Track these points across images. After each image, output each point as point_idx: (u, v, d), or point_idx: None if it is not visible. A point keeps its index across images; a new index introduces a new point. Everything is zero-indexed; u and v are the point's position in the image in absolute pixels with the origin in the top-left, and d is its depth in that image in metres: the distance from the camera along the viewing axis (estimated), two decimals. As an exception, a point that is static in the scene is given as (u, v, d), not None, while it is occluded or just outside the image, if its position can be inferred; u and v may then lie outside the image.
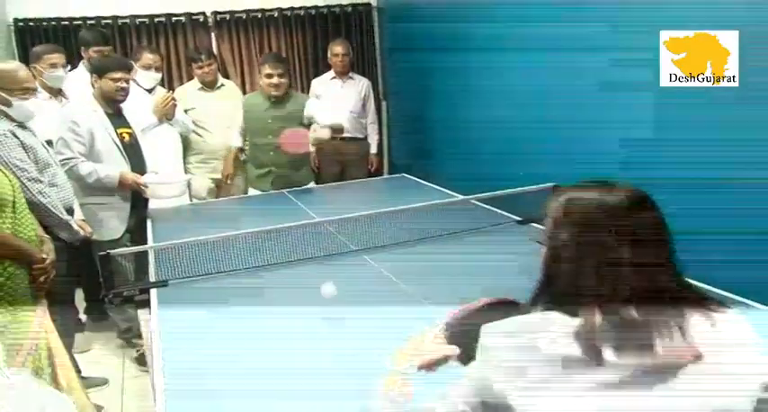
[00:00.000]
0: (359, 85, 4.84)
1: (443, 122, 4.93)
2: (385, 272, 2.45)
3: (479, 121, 4.56)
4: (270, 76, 3.92)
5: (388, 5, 5.69)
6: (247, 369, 1.76)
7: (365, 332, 1.95)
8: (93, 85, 3.28)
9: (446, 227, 2.90)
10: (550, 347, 0.96)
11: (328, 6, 5.51)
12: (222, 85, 4.52)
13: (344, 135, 4.65)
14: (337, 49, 4.71)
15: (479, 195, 3.24)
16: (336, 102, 4.67)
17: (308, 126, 4.05)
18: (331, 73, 4.81)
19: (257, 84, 5.33)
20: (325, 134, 3.92)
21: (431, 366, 1.24)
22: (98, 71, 3.25)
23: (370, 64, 5.67)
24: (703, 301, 1.03)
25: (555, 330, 0.98)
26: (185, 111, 4.18)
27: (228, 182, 4.32)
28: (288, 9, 5.40)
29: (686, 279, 1.06)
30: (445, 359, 1.24)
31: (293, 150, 3.97)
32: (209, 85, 4.42)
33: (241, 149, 4.29)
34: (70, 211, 2.89)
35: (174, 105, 3.88)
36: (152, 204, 3.62)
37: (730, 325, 1.02)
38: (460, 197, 3.37)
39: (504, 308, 1.24)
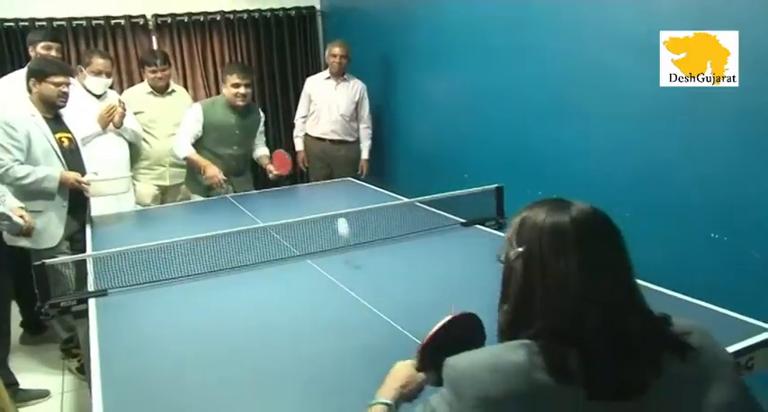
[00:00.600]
0: (353, 88, 4.70)
1: (389, 127, 4.96)
2: (329, 276, 2.46)
3: (424, 125, 4.62)
4: (237, 85, 3.89)
5: (332, 10, 5.70)
6: (189, 380, 1.74)
7: (312, 336, 1.96)
8: (30, 89, 3.19)
9: (391, 230, 2.93)
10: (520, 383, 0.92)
11: (272, 10, 5.49)
12: (173, 90, 4.42)
13: (333, 137, 4.66)
14: (336, 50, 4.60)
15: (423, 197, 3.27)
16: (328, 103, 4.65)
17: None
18: (326, 73, 4.72)
19: (200, 88, 5.32)
20: None
21: (410, 396, 1.23)
22: (38, 75, 3.16)
23: (314, 70, 5.66)
24: (671, 334, 1.01)
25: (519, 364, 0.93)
26: (134, 113, 4.11)
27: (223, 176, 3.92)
28: (231, 12, 5.35)
29: (648, 307, 1.02)
30: (421, 386, 1.24)
31: (284, 171, 4.11)
32: (160, 91, 4.32)
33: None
34: None
35: (123, 114, 3.80)
36: (94, 210, 3.55)
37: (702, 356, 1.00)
38: (405, 200, 3.40)
39: (468, 322, 1.25)
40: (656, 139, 2.78)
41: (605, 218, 1.03)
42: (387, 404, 1.16)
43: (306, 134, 4.81)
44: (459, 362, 0.96)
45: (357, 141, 4.80)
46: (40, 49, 3.78)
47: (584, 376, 0.92)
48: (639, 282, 1.21)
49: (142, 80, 4.46)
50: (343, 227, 2.69)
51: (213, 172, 3.84)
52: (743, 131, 2.44)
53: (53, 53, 3.80)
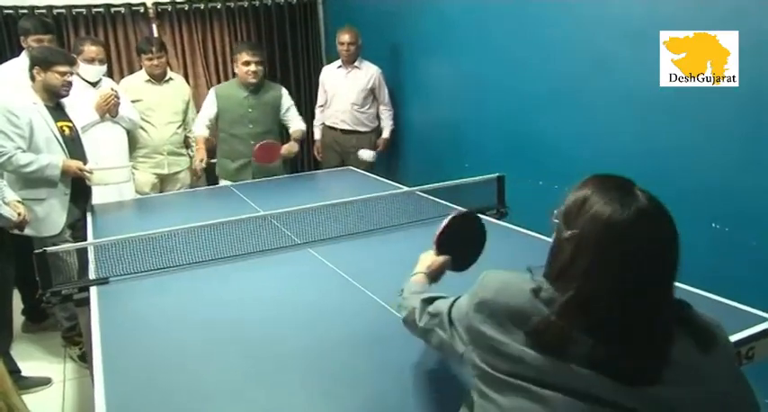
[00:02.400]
0: (366, 75, 4.60)
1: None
2: (329, 264, 2.46)
3: (426, 114, 4.60)
4: (248, 63, 3.95)
5: (333, -1, 5.68)
6: (191, 368, 1.75)
7: (312, 323, 1.96)
8: (33, 77, 3.19)
9: (391, 218, 2.93)
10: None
11: (273, -2, 5.46)
12: (170, 78, 4.40)
13: (343, 127, 4.64)
14: (344, 38, 4.52)
15: (424, 186, 3.26)
16: (338, 92, 4.64)
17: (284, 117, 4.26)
18: (339, 61, 4.68)
19: (201, 77, 5.31)
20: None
21: (436, 274, 1.63)
22: (43, 64, 3.15)
23: (315, 59, 5.64)
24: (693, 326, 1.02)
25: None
26: (132, 101, 4.10)
27: (203, 165, 4.07)
28: (232, 0, 5.33)
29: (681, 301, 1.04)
30: (443, 268, 1.64)
31: (265, 163, 4.03)
32: (157, 79, 4.31)
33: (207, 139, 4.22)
34: None
35: (117, 103, 3.79)
36: (95, 198, 3.55)
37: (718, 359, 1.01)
38: (405, 188, 3.39)
39: (469, 218, 1.72)
40: (657, 138, 2.77)
41: (666, 219, 1.02)
42: (423, 273, 1.55)
43: (323, 123, 4.81)
44: (486, 274, 1.16)
45: (370, 132, 4.72)
46: (31, 42, 3.74)
47: (595, 356, 0.98)
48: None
49: (142, 68, 4.45)
50: (367, 154, 4.08)
51: (196, 158, 4.06)
52: (743, 131, 2.44)
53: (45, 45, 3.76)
